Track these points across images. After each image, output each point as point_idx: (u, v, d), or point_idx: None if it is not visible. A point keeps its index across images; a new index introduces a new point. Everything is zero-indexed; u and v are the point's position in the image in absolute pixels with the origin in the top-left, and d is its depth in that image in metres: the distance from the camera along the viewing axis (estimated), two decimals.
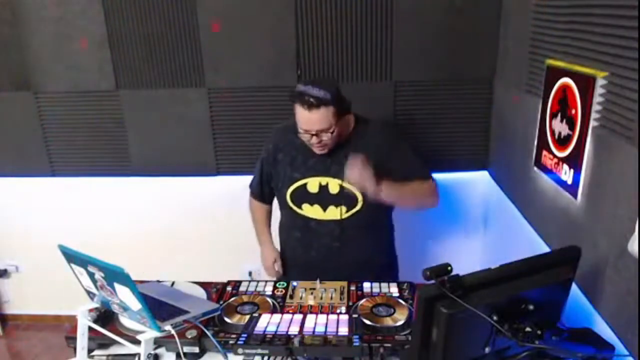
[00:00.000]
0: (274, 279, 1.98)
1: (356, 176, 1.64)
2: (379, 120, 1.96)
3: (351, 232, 1.83)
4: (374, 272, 1.82)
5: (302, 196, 1.82)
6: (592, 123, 1.39)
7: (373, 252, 1.92)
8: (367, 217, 1.82)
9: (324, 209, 1.82)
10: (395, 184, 1.71)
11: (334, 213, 1.81)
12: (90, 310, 1.45)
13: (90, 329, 1.42)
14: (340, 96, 1.69)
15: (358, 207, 1.79)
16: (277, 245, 2.07)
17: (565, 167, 1.55)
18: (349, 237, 1.84)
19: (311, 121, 1.65)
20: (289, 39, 2.40)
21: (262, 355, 1.32)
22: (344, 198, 1.78)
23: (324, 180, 1.79)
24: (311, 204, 1.82)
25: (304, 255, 1.91)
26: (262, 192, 2.00)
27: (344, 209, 1.80)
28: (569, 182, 1.52)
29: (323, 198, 1.80)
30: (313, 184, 1.80)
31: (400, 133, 1.87)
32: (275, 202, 2.00)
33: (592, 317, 1.39)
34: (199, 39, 2.45)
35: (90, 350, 1.45)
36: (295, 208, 1.85)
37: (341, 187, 1.77)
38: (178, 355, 1.41)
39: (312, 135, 1.68)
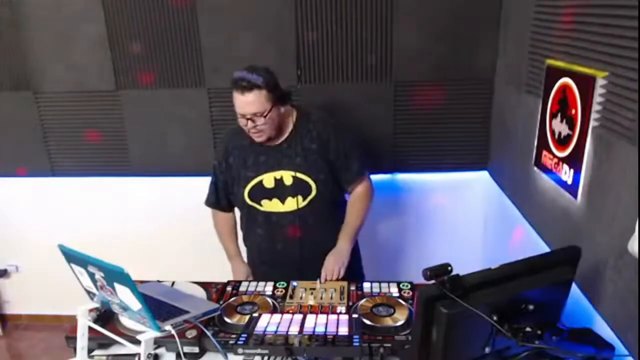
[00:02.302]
0: None
1: (331, 275, 1.84)
2: (321, 111, 2.03)
3: (311, 220, 1.91)
4: None
5: (260, 193, 1.89)
6: (592, 123, 1.39)
7: (333, 234, 1.97)
8: (323, 202, 1.90)
9: (282, 202, 1.89)
10: (346, 232, 1.93)
11: (292, 204, 1.88)
12: (90, 310, 1.45)
13: (90, 329, 1.42)
14: (274, 83, 1.76)
15: (313, 194, 1.88)
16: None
17: (565, 167, 1.55)
18: (309, 225, 1.91)
19: (245, 104, 1.72)
20: (289, 39, 2.40)
21: (262, 355, 1.31)
22: (299, 187, 1.86)
23: (277, 174, 1.87)
24: (270, 199, 1.89)
25: (270, 250, 1.96)
26: (218, 200, 2.04)
27: (300, 198, 1.87)
28: (569, 182, 1.52)
29: (280, 191, 1.88)
30: (268, 180, 1.87)
31: (343, 128, 1.97)
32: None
33: (592, 317, 1.39)
34: (199, 39, 2.45)
35: (90, 350, 1.45)
36: (255, 205, 1.91)
37: (294, 177, 1.86)
38: (178, 355, 1.41)
39: (247, 119, 1.75)
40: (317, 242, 1.93)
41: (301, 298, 1.64)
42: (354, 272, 1.99)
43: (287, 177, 1.86)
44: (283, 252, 1.94)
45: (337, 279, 1.85)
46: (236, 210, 2.08)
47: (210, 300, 1.65)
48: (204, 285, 1.75)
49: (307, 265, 1.89)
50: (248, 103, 1.72)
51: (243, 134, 1.86)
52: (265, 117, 1.74)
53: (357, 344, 1.26)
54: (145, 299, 1.29)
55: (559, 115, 1.59)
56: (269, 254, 1.97)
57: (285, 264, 1.93)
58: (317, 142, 1.86)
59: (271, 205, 1.89)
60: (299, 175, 1.85)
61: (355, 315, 1.44)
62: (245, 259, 2.09)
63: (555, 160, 1.62)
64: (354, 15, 2.35)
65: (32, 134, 2.70)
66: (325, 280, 1.84)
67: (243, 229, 2.06)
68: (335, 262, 1.88)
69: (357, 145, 1.96)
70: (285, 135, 1.86)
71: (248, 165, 1.89)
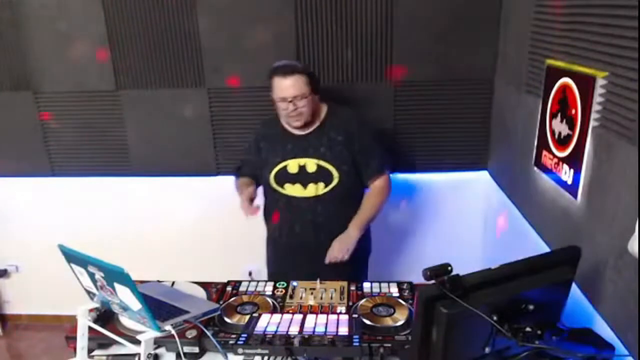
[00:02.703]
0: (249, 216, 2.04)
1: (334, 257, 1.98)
2: (349, 107, 2.17)
3: (330, 206, 2.03)
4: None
5: (284, 177, 2.03)
6: (592, 123, 1.39)
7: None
8: (343, 191, 2.02)
9: (304, 187, 2.01)
10: (358, 220, 2.03)
11: (313, 190, 2.01)
12: (90, 310, 1.46)
13: (90, 329, 1.42)
14: (311, 71, 1.97)
15: (335, 183, 2.00)
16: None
17: (565, 167, 1.55)
18: (329, 211, 2.03)
19: (287, 87, 1.88)
20: (289, 38, 2.40)
21: (262, 355, 1.32)
22: (321, 175, 1.99)
23: (302, 161, 2.00)
24: (292, 184, 2.02)
25: (289, 231, 2.09)
26: (248, 172, 2.17)
27: (321, 185, 2.00)
28: (569, 182, 1.52)
29: (303, 177, 2.01)
30: (293, 165, 2.01)
31: (369, 126, 2.11)
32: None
33: (592, 317, 1.39)
34: (199, 39, 2.45)
35: (90, 350, 1.45)
36: (278, 188, 2.05)
37: (318, 165, 1.99)
38: (178, 355, 1.41)
39: (289, 102, 1.89)
40: (332, 228, 2.04)
41: (301, 298, 1.64)
42: (358, 264, 2.12)
43: (311, 164, 1.99)
44: (300, 235, 2.07)
45: (341, 262, 1.97)
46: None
47: (210, 300, 1.65)
48: (204, 285, 1.75)
49: (321, 249, 2.01)
50: (290, 86, 1.87)
51: (275, 124, 2.05)
52: (306, 98, 1.89)
53: (357, 344, 1.26)
54: (145, 299, 1.29)
55: (559, 115, 1.59)
56: (288, 236, 2.10)
57: (300, 245, 2.07)
58: (343, 134, 1.99)
59: (293, 190, 2.02)
60: (323, 163, 1.98)
61: (355, 315, 1.45)
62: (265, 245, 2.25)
63: (555, 160, 1.62)
64: (354, 15, 2.35)
65: (32, 134, 2.70)
66: (330, 262, 1.98)
67: (265, 211, 2.17)
68: (340, 246, 1.99)
69: (380, 144, 2.08)
70: (314, 127, 2.01)
71: (276, 151, 2.03)
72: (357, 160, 2.02)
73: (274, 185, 2.05)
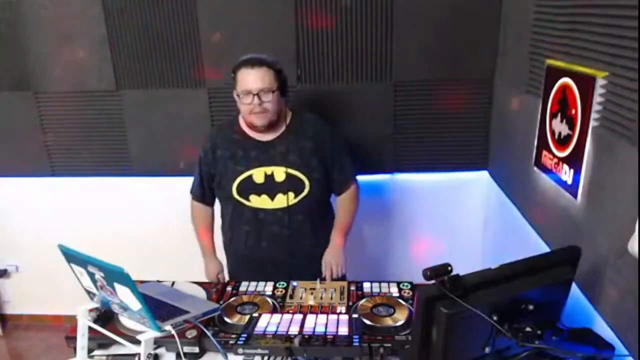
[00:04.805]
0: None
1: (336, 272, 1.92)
2: (314, 113, 2.03)
3: (299, 218, 1.90)
4: (320, 257, 1.96)
5: (249, 188, 1.87)
6: (592, 123, 1.39)
7: (320, 235, 1.99)
8: (314, 201, 1.90)
9: (272, 198, 1.87)
10: (340, 229, 1.97)
11: (282, 201, 1.86)
12: (90, 310, 1.45)
13: (90, 329, 1.42)
14: (280, 68, 1.80)
15: (305, 192, 1.87)
16: (221, 244, 2.11)
17: (565, 167, 1.55)
18: (298, 222, 1.90)
19: (254, 79, 1.73)
20: (289, 39, 2.40)
21: (262, 355, 1.31)
22: (291, 184, 1.85)
23: (268, 169, 1.84)
24: (258, 195, 1.87)
25: (255, 246, 1.94)
26: (204, 193, 2.02)
27: (291, 195, 1.86)
28: (569, 182, 1.52)
29: (270, 187, 1.86)
30: (258, 175, 1.85)
31: (338, 131, 2.02)
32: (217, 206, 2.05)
33: (592, 317, 1.39)
34: (199, 39, 2.45)
35: (90, 350, 1.45)
36: (242, 200, 1.89)
37: (287, 173, 1.84)
38: (178, 355, 1.41)
39: (254, 95, 1.73)
40: (303, 241, 1.94)
41: (301, 298, 1.64)
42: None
43: (279, 173, 1.84)
44: (268, 249, 1.93)
45: (338, 278, 1.88)
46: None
47: (210, 300, 1.65)
48: (204, 285, 1.75)
49: (291, 265, 1.91)
50: (257, 77, 1.73)
51: (234, 128, 1.89)
52: (272, 93, 1.75)
53: (357, 344, 1.26)
54: (145, 299, 1.29)
55: (559, 115, 1.59)
56: (253, 251, 1.95)
57: (270, 261, 1.94)
58: (312, 141, 1.87)
59: (260, 202, 1.87)
60: (292, 171, 1.84)
61: (355, 315, 1.44)
62: (225, 256, 2.10)
63: (555, 160, 1.62)
64: (354, 15, 2.35)
65: (32, 134, 2.70)
66: (332, 278, 1.90)
67: (227, 225, 2.02)
68: (337, 261, 1.93)
69: (350, 150, 1.99)
70: (279, 132, 1.86)
71: (237, 159, 1.87)
72: (329, 168, 1.91)
73: (237, 197, 1.88)
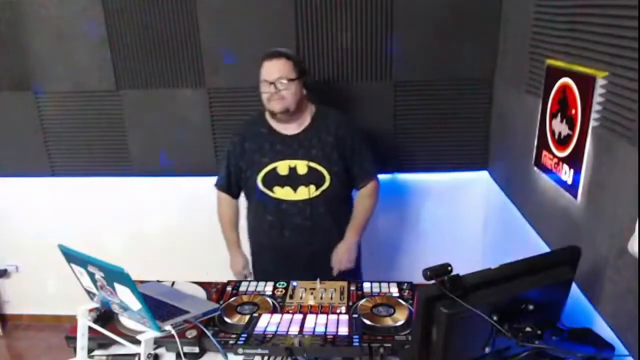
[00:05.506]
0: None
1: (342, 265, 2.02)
2: (338, 110, 2.10)
3: (320, 210, 1.98)
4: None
5: (273, 179, 1.95)
6: (592, 123, 1.39)
7: (340, 227, 2.05)
8: (333, 193, 1.97)
9: (295, 190, 1.95)
10: (355, 225, 2.03)
11: (304, 193, 1.95)
12: (90, 310, 1.45)
13: (90, 329, 1.42)
14: (300, 60, 1.95)
15: (326, 185, 1.95)
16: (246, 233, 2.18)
17: (565, 167, 1.55)
18: (319, 214, 1.98)
19: (272, 68, 1.85)
20: (289, 39, 2.40)
21: (262, 355, 1.31)
22: (313, 177, 1.93)
23: (292, 162, 1.93)
24: (282, 186, 1.95)
25: (278, 236, 2.02)
26: (230, 185, 2.09)
27: (312, 187, 1.94)
28: (569, 182, 1.52)
29: (293, 179, 1.94)
30: (283, 167, 1.94)
31: (359, 128, 2.09)
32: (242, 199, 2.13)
33: (592, 317, 1.39)
34: (199, 39, 2.45)
35: (90, 350, 1.45)
36: (267, 191, 1.97)
37: (309, 167, 1.93)
38: (178, 355, 1.41)
39: (271, 84, 1.84)
40: (323, 232, 2.01)
41: (301, 298, 1.64)
42: (353, 270, 2.06)
43: (302, 166, 1.93)
44: (289, 240, 2.00)
45: (344, 271, 1.96)
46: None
47: (210, 300, 1.64)
48: (204, 285, 1.75)
49: (311, 253, 2.00)
50: (275, 68, 1.84)
51: (261, 123, 1.98)
52: (288, 82, 1.84)
53: (357, 344, 1.26)
54: (145, 299, 1.29)
55: (559, 115, 1.59)
56: (276, 240, 2.03)
57: (291, 251, 2.01)
58: (333, 136, 1.95)
59: (283, 193, 1.95)
60: (314, 165, 1.92)
61: (355, 315, 1.45)
62: (249, 245, 2.17)
63: (555, 160, 1.62)
64: (354, 15, 2.35)
65: (32, 134, 2.70)
66: (339, 270, 1.99)
67: (251, 215, 2.11)
68: (348, 256, 2.01)
69: (370, 146, 2.05)
70: (303, 127, 1.95)
71: (264, 152, 1.95)
72: (348, 163, 1.98)
73: (262, 188, 1.97)
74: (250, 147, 1.98)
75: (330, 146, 1.94)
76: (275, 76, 1.83)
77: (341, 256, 2.02)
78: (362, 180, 2.04)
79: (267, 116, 1.97)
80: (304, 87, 1.91)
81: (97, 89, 2.59)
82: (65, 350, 1.49)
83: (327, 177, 1.94)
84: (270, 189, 1.96)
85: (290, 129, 1.95)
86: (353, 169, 2.00)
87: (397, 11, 2.33)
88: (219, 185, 2.12)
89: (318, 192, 1.95)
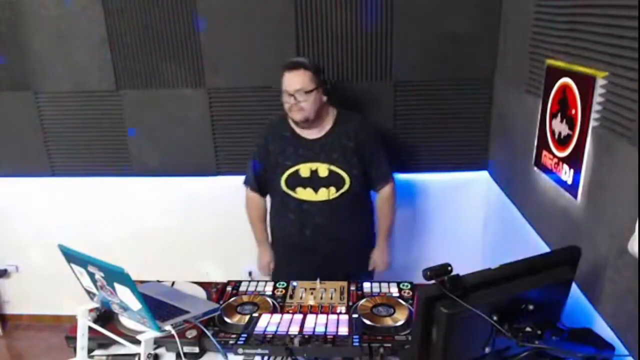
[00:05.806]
0: (265, 277, 2.22)
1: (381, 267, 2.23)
2: (360, 114, 2.18)
3: (339, 211, 2.06)
4: (358, 246, 2.19)
5: (296, 181, 2.03)
6: (592, 123, 1.39)
7: (358, 228, 2.17)
8: (353, 196, 2.05)
9: (316, 191, 2.03)
10: (384, 232, 2.20)
11: (324, 194, 2.03)
12: (90, 310, 1.46)
13: (90, 329, 1.42)
14: (319, 70, 1.99)
15: (345, 188, 2.03)
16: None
17: (565, 167, 1.55)
18: (338, 215, 2.06)
19: (291, 80, 1.91)
20: (289, 39, 2.40)
21: (262, 355, 1.32)
22: (333, 180, 2.01)
23: (314, 165, 2.01)
24: (304, 188, 2.04)
25: (299, 234, 2.10)
26: (259, 183, 2.17)
27: (333, 189, 2.02)
28: (569, 182, 1.52)
29: (314, 181, 2.02)
30: (304, 170, 2.02)
31: (377, 132, 2.17)
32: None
33: (592, 317, 1.39)
34: (199, 39, 2.45)
35: (90, 350, 1.45)
36: (289, 192, 2.05)
37: (329, 170, 2.01)
38: (178, 355, 1.41)
39: (290, 95, 1.91)
40: (342, 232, 2.09)
41: (301, 298, 1.64)
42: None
43: (323, 169, 2.00)
44: (309, 238, 2.09)
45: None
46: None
47: (210, 300, 1.65)
48: (204, 285, 1.75)
49: (329, 252, 2.08)
50: (294, 80, 1.91)
51: (284, 126, 2.05)
52: (307, 93, 1.90)
53: (357, 344, 1.26)
54: (145, 299, 1.29)
55: (559, 115, 1.59)
56: (297, 238, 2.11)
57: (311, 249, 2.09)
58: (353, 140, 2.02)
59: (305, 194, 2.04)
60: (335, 168, 2.00)
61: (355, 315, 1.44)
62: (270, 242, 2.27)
63: (555, 160, 1.62)
64: (354, 15, 2.35)
65: (32, 134, 2.70)
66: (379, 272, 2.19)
67: (273, 213, 2.20)
68: (379, 257, 2.20)
69: (387, 150, 2.13)
70: (325, 131, 2.03)
71: (287, 155, 2.03)
72: (367, 166, 2.06)
73: (285, 188, 2.05)
74: (274, 150, 2.06)
75: (351, 151, 2.01)
76: (295, 88, 1.90)
77: (377, 260, 2.19)
78: (379, 182, 2.13)
79: (290, 121, 2.03)
80: (324, 93, 1.98)
81: (97, 89, 2.59)
82: (65, 350, 1.49)
83: (347, 179, 2.01)
84: (293, 190, 2.04)
85: (312, 133, 2.02)
86: (371, 171, 2.08)
87: (397, 11, 2.33)
88: (249, 184, 2.19)
89: (338, 194, 2.03)
